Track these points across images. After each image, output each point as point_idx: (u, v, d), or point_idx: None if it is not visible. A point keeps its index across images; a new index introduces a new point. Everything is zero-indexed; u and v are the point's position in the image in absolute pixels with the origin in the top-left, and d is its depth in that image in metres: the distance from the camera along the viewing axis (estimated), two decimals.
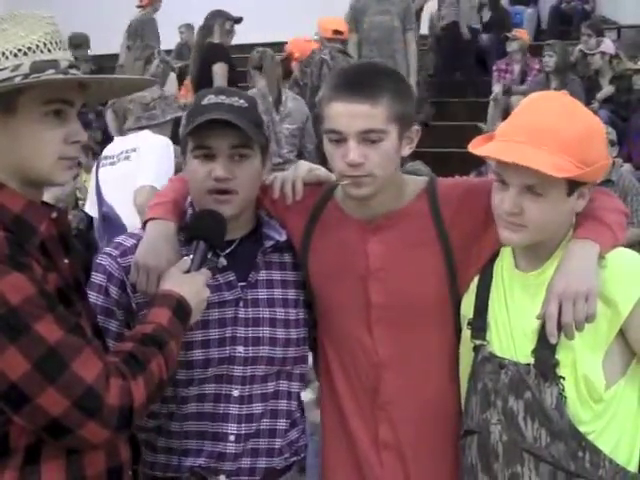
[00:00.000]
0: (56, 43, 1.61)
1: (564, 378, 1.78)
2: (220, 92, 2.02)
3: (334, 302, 2.09)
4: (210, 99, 1.99)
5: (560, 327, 1.76)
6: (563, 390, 1.78)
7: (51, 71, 1.58)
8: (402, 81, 2.00)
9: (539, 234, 1.83)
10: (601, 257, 1.80)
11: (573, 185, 1.80)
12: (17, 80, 1.55)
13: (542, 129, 1.76)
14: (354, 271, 2.05)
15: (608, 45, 7.86)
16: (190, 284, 1.83)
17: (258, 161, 2.02)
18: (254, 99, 2.10)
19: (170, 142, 4.24)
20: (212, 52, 7.26)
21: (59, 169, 1.62)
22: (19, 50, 1.57)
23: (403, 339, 2.03)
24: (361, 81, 1.92)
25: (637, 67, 6.83)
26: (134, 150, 4.24)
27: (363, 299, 2.05)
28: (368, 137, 1.90)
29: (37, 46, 1.58)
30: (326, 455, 2.18)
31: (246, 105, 2.00)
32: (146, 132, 4.32)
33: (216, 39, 7.21)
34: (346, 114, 1.90)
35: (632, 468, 1.82)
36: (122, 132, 4.65)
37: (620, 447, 1.81)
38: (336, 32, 7.16)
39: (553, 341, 1.77)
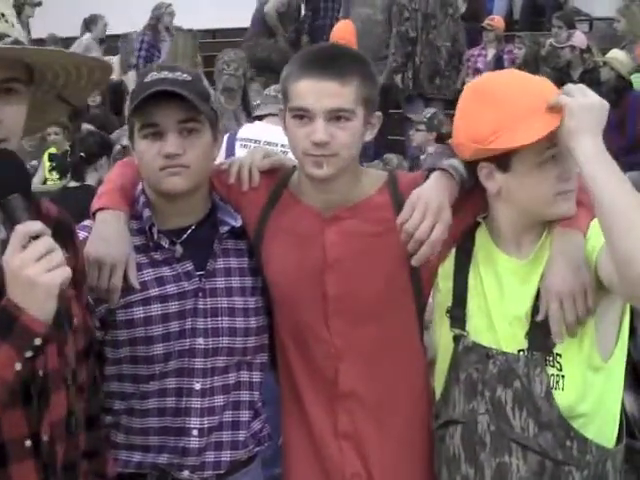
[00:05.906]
0: None
1: (561, 355, 1.77)
2: (162, 68, 2.00)
3: (290, 293, 2.03)
4: (153, 76, 1.96)
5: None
6: (560, 369, 1.77)
7: None
8: (369, 65, 1.98)
9: None
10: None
11: None
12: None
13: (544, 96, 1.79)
14: (310, 262, 2.00)
15: (579, 38, 7.83)
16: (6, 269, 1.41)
17: (208, 135, 1.99)
18: (198, 74, 2.09)
19: None
20: None
21: None
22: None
23: (361, 331, 2.00)
24: (331, 60, 1.90)
25: (604, 59, 6.83)
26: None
27: (319, 291, 2.00)
28: (336, 115, 1.88)
29: None
30: (287, 445, 2.14)
31: (190, 78, 1.97)
32: None
33: None
34: (315, 92, 1.87)
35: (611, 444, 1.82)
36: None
37: (604, 430, 1.81)
38: None
39: (559, 341, 1.76)
